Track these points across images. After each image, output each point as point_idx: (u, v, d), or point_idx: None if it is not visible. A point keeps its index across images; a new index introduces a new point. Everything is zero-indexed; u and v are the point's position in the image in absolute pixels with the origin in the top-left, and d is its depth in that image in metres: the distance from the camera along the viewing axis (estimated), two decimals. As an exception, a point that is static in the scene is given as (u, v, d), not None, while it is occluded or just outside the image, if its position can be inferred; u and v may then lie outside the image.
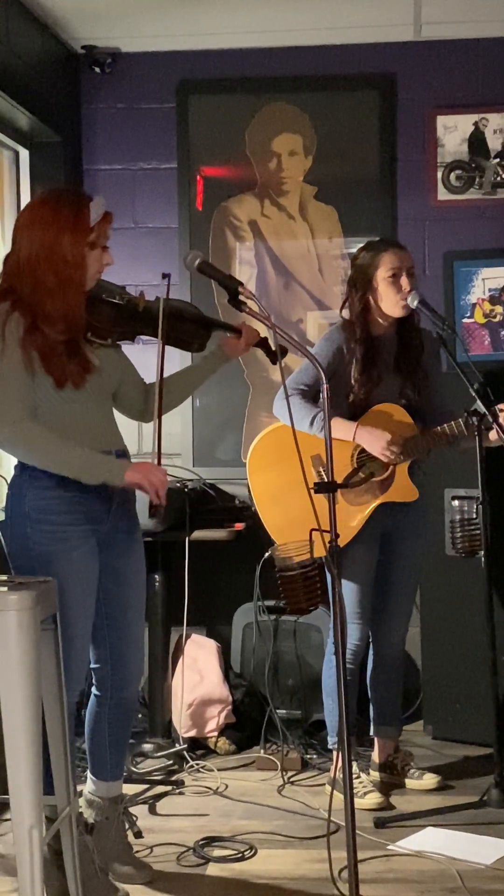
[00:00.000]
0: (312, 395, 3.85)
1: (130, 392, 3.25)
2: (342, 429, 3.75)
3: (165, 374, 3.15)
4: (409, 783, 4.04)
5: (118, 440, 3.17)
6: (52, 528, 3.00)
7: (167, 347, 3.14)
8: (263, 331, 3.40)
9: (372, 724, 4.12)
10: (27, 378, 2.93)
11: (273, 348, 3.27)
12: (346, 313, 3.92)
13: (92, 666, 3.24)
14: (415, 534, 3.97)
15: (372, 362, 3.82)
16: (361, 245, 3.95)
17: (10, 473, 4.59)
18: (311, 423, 3.76)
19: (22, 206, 4.75)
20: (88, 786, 3.33)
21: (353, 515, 3.82)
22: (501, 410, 3.66)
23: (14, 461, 3.10)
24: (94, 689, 3.28)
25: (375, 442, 3.73)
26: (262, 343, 3.32)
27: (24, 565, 3.02)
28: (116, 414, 3.23)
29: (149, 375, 3.25)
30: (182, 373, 3.39)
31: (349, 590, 3.86)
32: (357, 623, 3.89)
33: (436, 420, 3.82)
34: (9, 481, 3.11)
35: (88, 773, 3.33)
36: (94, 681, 3.27)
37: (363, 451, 3.80)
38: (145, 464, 3.03)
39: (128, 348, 3.27)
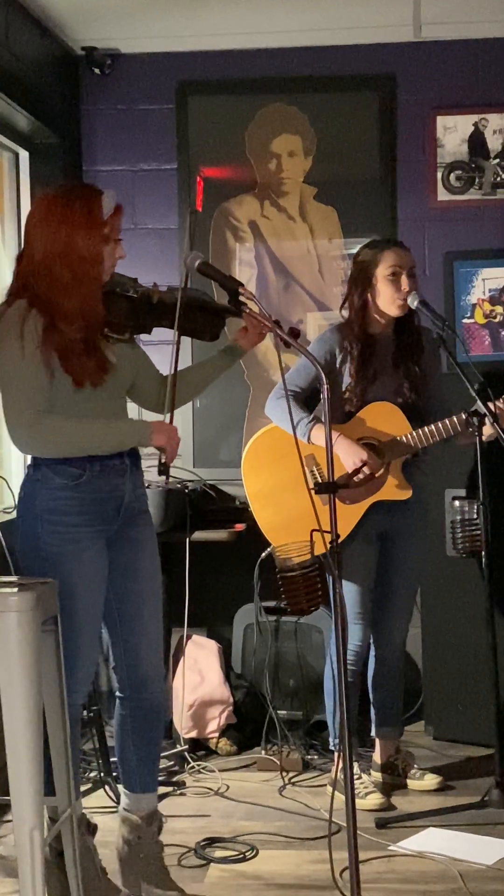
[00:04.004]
0: (305, 397, 3.85)
1: (147, 385, 3.21)
2: (324, 436, 3.74)
3: (180, 367, 3.10)
4: (411, 783, 4.03)
5: None
6: (64, 529, 2.99)
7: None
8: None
9: (373, 724, 4.12)
10: (44, 379, 2.90)
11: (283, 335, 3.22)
12: (345, 313, 3.93)
13: (111, 666, 3.20)
14: (415, 534, 3.97)
15: (368, 360, 3.83)
16: (364, 244, 3.96)
17: (9, 473, 4.63)
18: (296, 427, 3.75)
19: (22, 208, 4.76)
20: (122, 800, 3.24)
21: (347, 516, 3.81)
22: (499, 409, 3.66)
23: (27, 461, 3.09)
24: (116, 692, 3.21)
25: (350, 457, 3.73)
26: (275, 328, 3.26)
27: (34, 566, 3.00)
28: (131, 406, 3.20)
29: (164, 367, 3.22)
30: (198, 366, 3.33)
31: (350, 591, 3.85)
32: (359, 624, 3.89)
33: (434, 420, 3.82)
34: (21, 482, 3.09)
35: (121, 787, 3.25)
36: (116, 682, 3.21)
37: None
38: (164, 425, 3.02)
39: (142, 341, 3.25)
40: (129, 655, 3.17)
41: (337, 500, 3.76)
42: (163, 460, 3.01)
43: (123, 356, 3.08)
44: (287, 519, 3.73)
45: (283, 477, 3.71)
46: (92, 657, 3.11)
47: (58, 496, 2.99)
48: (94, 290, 2.96)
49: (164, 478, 3.03)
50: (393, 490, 3.83)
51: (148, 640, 3.17)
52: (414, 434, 3.78)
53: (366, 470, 3.73)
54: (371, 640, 4.01)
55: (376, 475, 3.80)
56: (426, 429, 3.77)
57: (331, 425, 3.76)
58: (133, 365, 3.13)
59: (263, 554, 3.93)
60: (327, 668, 4.01)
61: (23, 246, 3.03)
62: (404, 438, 3.78)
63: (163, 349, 3.18)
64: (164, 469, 3.02)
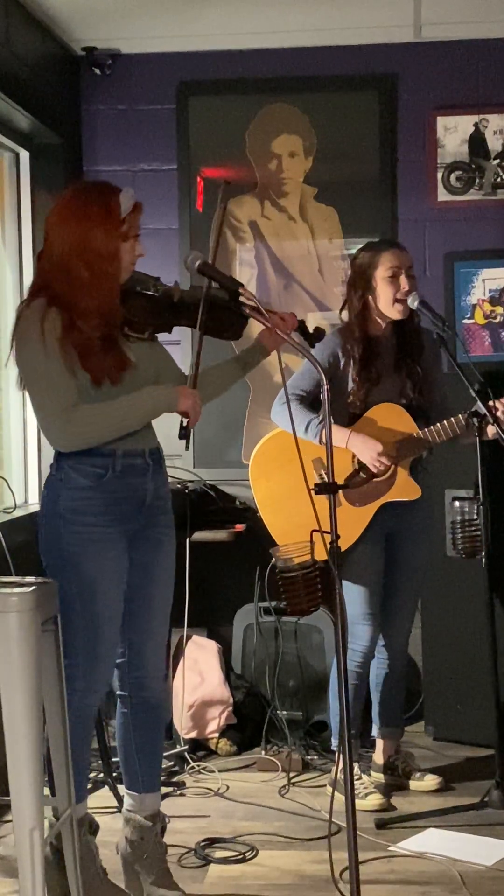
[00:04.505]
0: (311, 400, 3.85)
1: (169, 384, 3.15)
2: (336, 436, 3.75)
3: (202, 367, 3.09)
4: (411, 784, 4.03)
5: (152, 437, 3.13)
6: (85, 529, 2.98)
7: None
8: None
9: (374, 725, 4.12)
10: (69, 375, 2.90)
11: (311, 331, 3.21)
12: (345, 315, 3.93)
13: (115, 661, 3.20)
14: (420, 536, 3.97)
15: (370, 362, 3.83)
16: (361, 246, 3.96)
17: (10, 473, 4.63)
18: (306, 430, 3.76)
19: (22, 208, 4.77)
20: (126, 801, 3.24)
21: (357, 517, 3.81)
22: (497, 409, 3.66)
23: (50, 459, 3.08)
24: (117, 690, 3.21)
25: (367, 451, 3.74)
26: (301, 327, 3.22)
27: (56, 564, 3.01)
28: None
29: (183, 365, 3.20)
30: (221, 365, 3.29)
31: (358, 592, 3.85)
32: (367, 624, 3.88)
33: (437, 419, 3.82)
34: (45, 480, 3.09)
35: (124, 788, 3.25)
36: (117, 680, 3.20)
37: None
38: (189, 389, 3.01)
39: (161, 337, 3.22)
40: (132, 654, 3.16)
41: (346, 502, 3.81)
42: (185, 424, 3.00)
43: (143, 355, 3.06)
44: (297, 524, 3.72)
45: (292, 481, 3.71)
46: (111, 658, 3.09)
47: (80, 496, 2.99)
48: (112, 287, 2.96)
49: (185, 441, 3.02)
50: (403, 490, 3.83)
51: (153, 641, 3.17)
52: (421, 433, 3.78)
53: (384, 461, 3.72)
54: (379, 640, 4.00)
55: (384, 477, 3.80)
56: (432, 428, 3.77)
57: (341, 426, 3.80)
58: (154, 364, 3.10)
59: (271, 563, 3.92)
60: (334, 668, 3.99)
61: (43, 244, 3.03)
62: (414, 437, 3.78)
63: (174, 348, 3.16)
64: (185, 433, 3.02)
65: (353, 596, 3.85)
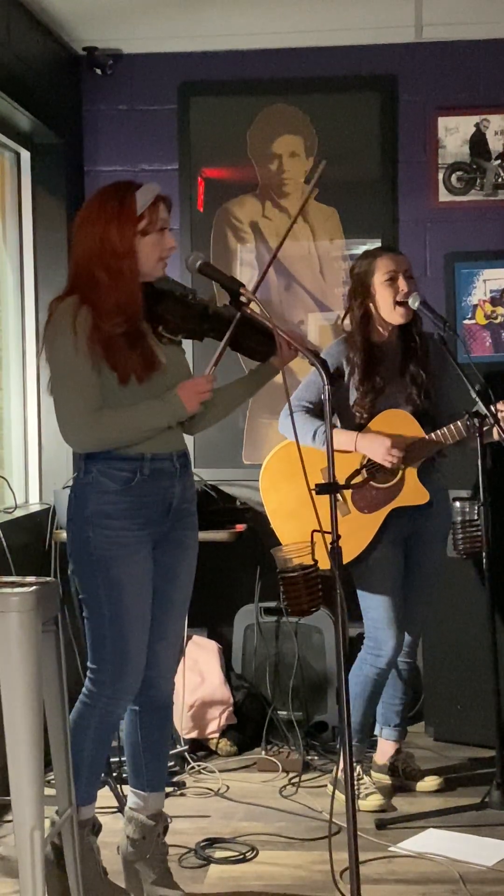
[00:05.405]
0: (317, 412, 3.84)
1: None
2: (343, 440, 3.74)
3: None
4: (410, 785, 4.03)
5: (180, 440, 3.12)
6: (112, 533, 2.98)
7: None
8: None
9: (377, 724, 4.11)
10: (94, 374, 2.91)
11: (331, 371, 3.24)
12: (347, 324, 3.92)
13: None
14: (437, 539, 3.94)
15: (373, 371, 3.81)
16: (359, 254, 3.96)
17: (10, 473, 4.63)
18: (314, 437, 3.75)
19: (23, 208, 4.78)
20: (129, 799, 3.23)
21: (366, 524, 3.80)
22: (500, 410, 3.66)
23: (51, 460, 3.08)
24: None
25: (377, 449, 3.73)
26: (322, 365, 3.15)
27: (83, 569, 3.01)
28: None
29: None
30: (232, 385, 3.27)
31: (380, 599, 3.82)
32: (391, 630, 3.84)
33: (445, 423, 3.81)
34: (72, 484, 3.09)
35: (129, 786, 3.24)
36: None
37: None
38: (186, 389, 3.00)
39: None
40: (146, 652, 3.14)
41: (354, 508, 3.80)
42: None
43: (174, 360, 3.07)
44: (309, 532, 3.72)
45: (302, 491, 3.71)
46: (139, 664, 3.06)
47: (108, 500, 2.98)
48: (131, 285, 2.96)
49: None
50: (412, 496, 3.81)
51: (167, 641, 3.16)
52: (426, 438, 3.76)
53: (396, 454, 3.71)
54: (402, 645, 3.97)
55: (393, 481, 3.79)
56: (438, 432, 3.75)
57: (347, 431, 3.79)
58: (183, 371, 3.10)
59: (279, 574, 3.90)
60: (353, 671, 3.94)
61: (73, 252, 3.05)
62: (418, 442, 3.76)
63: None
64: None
65: (376, 602, 3.83)
